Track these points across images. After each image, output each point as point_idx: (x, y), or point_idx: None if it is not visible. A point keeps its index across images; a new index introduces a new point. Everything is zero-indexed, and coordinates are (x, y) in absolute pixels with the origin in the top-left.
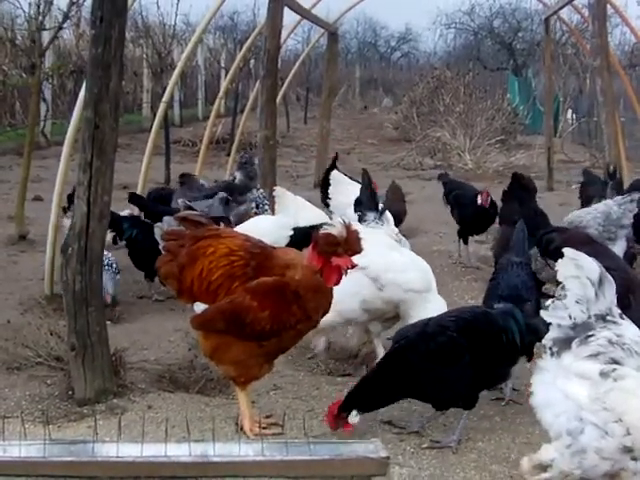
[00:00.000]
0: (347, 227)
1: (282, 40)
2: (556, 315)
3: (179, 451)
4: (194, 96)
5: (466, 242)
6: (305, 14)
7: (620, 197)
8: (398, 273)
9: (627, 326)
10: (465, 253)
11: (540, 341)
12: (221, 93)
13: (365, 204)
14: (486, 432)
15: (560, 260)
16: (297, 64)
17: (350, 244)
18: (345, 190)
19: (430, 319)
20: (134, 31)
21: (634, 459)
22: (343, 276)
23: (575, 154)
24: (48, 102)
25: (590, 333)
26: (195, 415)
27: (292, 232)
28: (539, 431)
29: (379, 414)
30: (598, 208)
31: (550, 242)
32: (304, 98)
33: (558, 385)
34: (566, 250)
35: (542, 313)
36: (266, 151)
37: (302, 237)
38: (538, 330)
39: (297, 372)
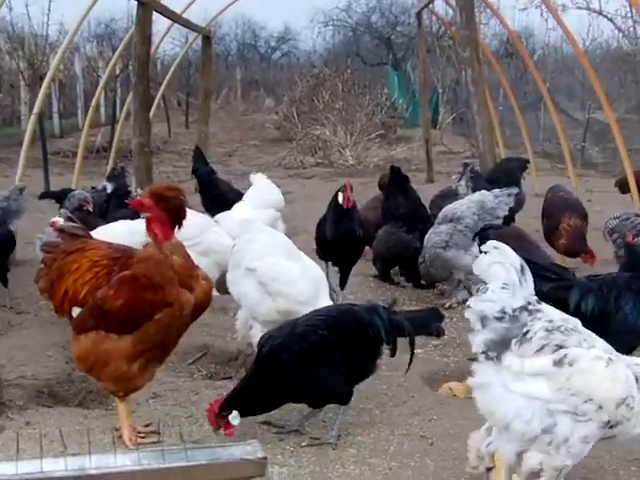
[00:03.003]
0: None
1: (154, 45)
2: (482, 306)
3: (55, 466)
4: (74, 106)
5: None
6: (176, 18)
7: (499, 189)
8: (286, 284)
9: (548, 308)
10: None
11: (404, 336)
12: (94, 102)
13: None
14: (365, 426)
15: (482, 252)
16: (172, 68)
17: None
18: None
19: (297, 319)
20: (9, 43)
21: (612, 427)
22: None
23: (455, 145)
24: None
25: (525, 330)
26: (73, 428)
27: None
28: (418, 422)
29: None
30: (472, 198)
31: (484, 239)
32: (185, 102)
33: (515, 391)
34: (489, 243)
35: (468, 308)
36: (141, 158)
37: None
38: (402, 325)
39: (177, 379)
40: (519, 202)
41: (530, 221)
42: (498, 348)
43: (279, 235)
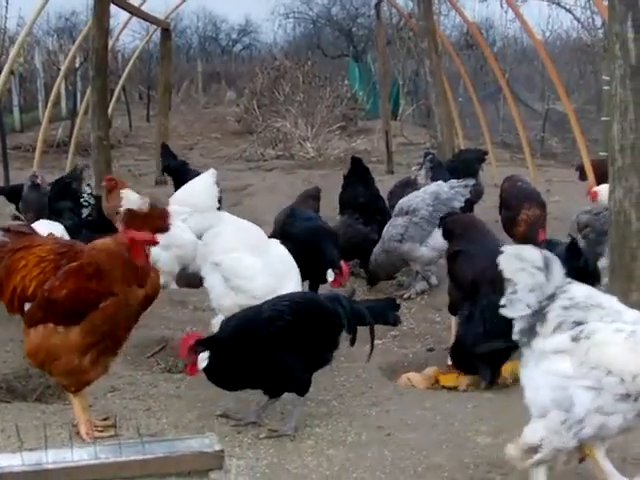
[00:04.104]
0: (150, 203)
1: (114, 38)
2: (515, 309)
3: (13, 461)
4: (35, 100)
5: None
6: (134, 11)
7: (455, 180)
8: (246, 280)
9: (575, 287)
10: None
11: (365, 325)
12: (53, 96)
13: None
14: (323, 417)
15: (502, 257)
16: (131, 61)
17: (151, 220)
18: None
19: (262, 305)
20: None
21: (636, 399)
22: (145, 251)
23: (415, 136)
24: None
25: (545, 311)
26: (31, 424)
27: None
28: (376, 412)
29: (216, 408)
30: (427, 190)
31: (441, 226)
32: (146, 96)
33: (541, 370)
34: (510, 248)
35: (501, 311)
36: (100, 152)
37: None
38: (363, 315)
39: (135, 372)
40: (477, 193)
41: (489, 211)
42: (527, 334)
43: (248, 227)
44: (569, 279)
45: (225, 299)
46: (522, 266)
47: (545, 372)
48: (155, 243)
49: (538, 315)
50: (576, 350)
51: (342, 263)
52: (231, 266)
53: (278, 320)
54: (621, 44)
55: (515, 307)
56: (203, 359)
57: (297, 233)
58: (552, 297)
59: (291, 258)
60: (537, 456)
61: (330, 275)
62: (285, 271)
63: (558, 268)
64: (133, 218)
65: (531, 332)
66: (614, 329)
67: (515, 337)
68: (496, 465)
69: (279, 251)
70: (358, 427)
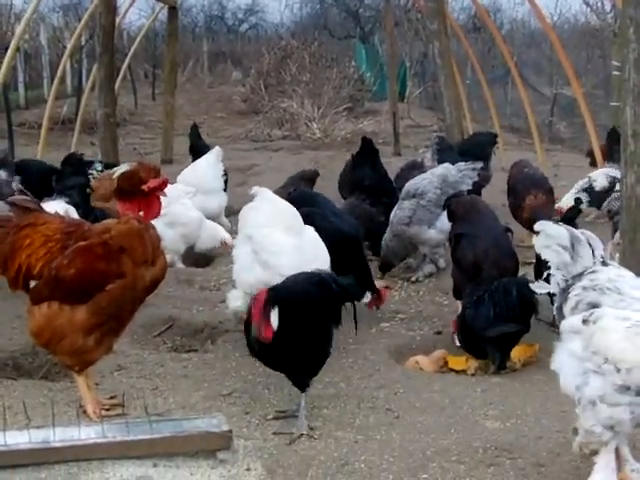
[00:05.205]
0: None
1: (120, 15)
2: (546, 286)
3: (20, 439)
4: (40, 77)
5: None
6: None
7: (463, 163)
8: (272, 255)
9: (605, 270)
10: None
11: (352, 302)
12: (59, 73)
13: None
14: (331, 399)
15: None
16: (138, 39)
17: (146, 169)
18: None
19: (290, 281)
20: None
21: (638, 394)
22: (158, 199)
23: (422, 118)
24: None
25: (569, 291)
26: (38, 401)
27: None
28: (384, 395)
29: (223, 388)
30: (435, 172)
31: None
32: (152, 74)
33: (561, 348)
34: (537, 224)
35: (533, 286)
36: (107, 129)
37: None
38: (350, 293)
39: (142, 351)
40: (486, 178)
41: (496, 195)
42: (559, 312)
43: (285, 208)
44: (606, 261)
45: (247, 272)
46: (547, 243)
47: (564, 350)
48: (165, 184)
49: (565, 294)
50: (585, 332)
51: (381, 288)
52: (260, 240)
53: (315, 298)
54: (635, 28)
55: (546, 284)
56: (275, 315)
57: (327, 233)
58: (579, 277)
59: (323, 245)
60: (577, 439)
61: (367, 297)
62: (315, 256)
63: (586, 249)
64: (132, 177)
65: (560, 310)
66: (620, 316)
67: (554, 313)
68: (504, 449)
69: (312, 236)
70: (366, 409)
